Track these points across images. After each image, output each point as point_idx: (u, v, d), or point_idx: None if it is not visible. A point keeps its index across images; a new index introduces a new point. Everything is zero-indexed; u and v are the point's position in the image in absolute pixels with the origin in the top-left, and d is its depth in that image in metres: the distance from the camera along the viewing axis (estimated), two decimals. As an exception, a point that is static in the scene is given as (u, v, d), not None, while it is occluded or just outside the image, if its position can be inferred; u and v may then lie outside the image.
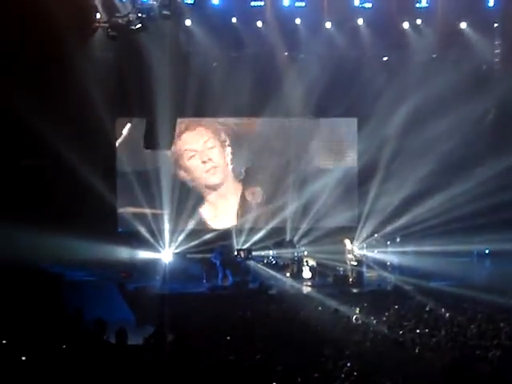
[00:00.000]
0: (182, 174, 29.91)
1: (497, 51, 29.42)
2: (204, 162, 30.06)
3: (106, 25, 26.09)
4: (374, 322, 18.31)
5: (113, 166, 28.97)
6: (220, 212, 30.42)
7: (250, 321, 18.34)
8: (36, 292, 19.90)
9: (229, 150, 30.24)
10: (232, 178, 30.47)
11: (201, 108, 28.36)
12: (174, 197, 28.85)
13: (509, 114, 29.48)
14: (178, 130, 27.90)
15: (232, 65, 28.70)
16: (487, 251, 29.42)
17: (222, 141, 30.20)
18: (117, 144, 29.02)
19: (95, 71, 26.35)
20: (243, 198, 30.53)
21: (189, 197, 29.60)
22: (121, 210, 29.11)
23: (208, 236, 29.06)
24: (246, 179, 30.54)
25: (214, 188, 30.29)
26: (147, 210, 28.95)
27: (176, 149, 28.95)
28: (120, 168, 29.18)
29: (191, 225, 29.32)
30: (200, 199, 30.10)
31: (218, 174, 30.26)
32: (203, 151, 30.05)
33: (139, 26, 24.30)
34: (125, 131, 28.91)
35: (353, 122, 30.91)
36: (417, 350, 14.89)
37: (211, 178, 30.22)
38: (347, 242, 27.46)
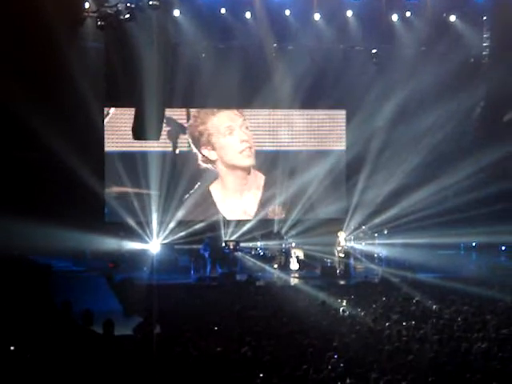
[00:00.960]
0: (207, 153, 29.94)
1: (485, 44, 29.46)
2: (242, 141, 30.14)
3: (95, 14, 26.12)
4: (361, 313, 18.35)
5: (101, 156, 28.89)
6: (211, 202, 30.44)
7: (237, 312, 18.34)
8: (24, 282, 19.88)
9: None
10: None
11: (189, 99, 28.34)
12: (163, 182, 28.87)
13: (497, 107, 29.56)
14: (203, 113, 28.44)
15: (220, 56, 28.67)
16: (474, 244, 29.52)
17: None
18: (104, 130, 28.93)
19: (84, 61, 26.27)
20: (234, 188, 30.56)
21: (179, 182, 29.62)
22: (107, 191, 29.05)
23: (196, 227, 29.06)
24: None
25: (244, 169, 30.31)
26: (134, 191, 28.92)
27: (204, 127, 29.32)
28: (108, 157, 29.09)
29: (181, 213, 29.29)
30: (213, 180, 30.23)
31: (252, 157, 30.39)
32: (241, 129, 30.16)
33: (128, 16, 24.33)
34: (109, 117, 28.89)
35: (341, 114, 30.94)
36: (403, 342, 14.93)
37: (245, 160, 30.29)
38: (341, 233, 27.49)
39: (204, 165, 29.93)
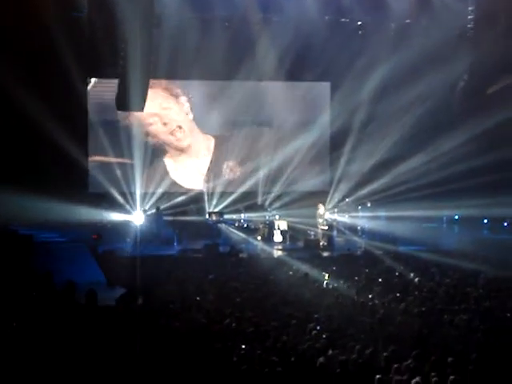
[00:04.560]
0: (150, 139, 29.79)
1: (470, 17, 29.40)
2: (165, 124, 29.94)
3: (78, -17, 25.87)
4: (344, 286, 18.43)
5: (84, 127, 28.76)
6: (191, 173, 30.34)
7: (220, 284, 18.38)
8: (4, 253, 19.85)
9: (187, 106, 30.11)
10: (201, 136, 30.47)
11: (173, 70, 28.21)
12: (146, 155, 28.83)
13: (481, 81, 29.58)
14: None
15: (205, 27, 28.47)
16: (457, 217, 29.65)
17: (177, 99, 30.10)
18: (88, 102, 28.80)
19: (67, 31, 26.00)
20: (215, 159, 30.48)
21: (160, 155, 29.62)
22: (91, 160, 28.97)
23: (180, 198, 29.04)
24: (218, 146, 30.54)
25: (182, 150, 30.21)
26: (118, 160, 28.87)
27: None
28: (92, 126, 28.95)
29: (164, 185, 29.26)
30: (169, 160, 30.08)
31: (184, 135, 30.15)
32: (161, 113, 29.95)
33: (111, -15, 24.08)
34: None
35: (326, 86, 30.90)
36: (386, 315, 15.01)
37: (178, 142, 30.15)
38: (320, 206, 27.53)
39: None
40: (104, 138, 28.80)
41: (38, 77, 26.09)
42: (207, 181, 30.34)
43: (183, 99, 30.09)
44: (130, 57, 22.45)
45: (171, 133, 29.87)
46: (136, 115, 28.13)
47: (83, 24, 26.63)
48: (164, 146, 29.87)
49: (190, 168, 30.29)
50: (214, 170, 30.46)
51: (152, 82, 28.36)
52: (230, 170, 30.58)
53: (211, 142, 30.45)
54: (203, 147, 30.41)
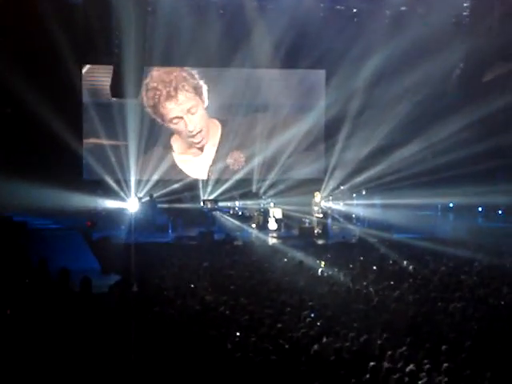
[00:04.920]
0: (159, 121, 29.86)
1: (466, 5, 29.29)
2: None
3: (73, -30, 25.77)
4: (339, 273, 18.45)
5: (79, 114, 28.69)
6: (198, 160, 30.39)
7: (215, 271, 18.40)
8: (-1, 240, 19.86)
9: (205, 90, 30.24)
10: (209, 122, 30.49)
11: (168, 57, 28.12)
12: (141, 142, 28.81)
13: (476, 68, 29.52)
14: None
15: (200, 14, 28.33)
16: (451, 205, 29.68)
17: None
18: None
19: (62, 19, 25.87)
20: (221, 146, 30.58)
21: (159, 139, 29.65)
22: (85, 147, 28.92)
23: (175, 186, 29.02)
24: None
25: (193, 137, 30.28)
26: (111, 143, 28.87)
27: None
28: (86, 113, 28.88)
29: (159, 173, 29.24)
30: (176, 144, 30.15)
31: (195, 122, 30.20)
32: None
33: (106, -28, 24.00)
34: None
35: (321, 73, 30.85)
36: (380, 302, 15.04)
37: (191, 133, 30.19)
38: (317, 194, 27.55)
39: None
40: (99, 125, 28.73)
41: (33, 64, 25.99)
42: (214, 168, 30.28)
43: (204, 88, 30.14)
44: (125, 44, 22.46)
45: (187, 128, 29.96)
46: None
47: (78, 12, 26.62)
48: (171, 132, 29.79)
49: (198, 156, 30.23)
50: (220, 158, 30.39)
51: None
52: (234, 159, 30.52)
53: (218, 127, 30.42)
54: (212, 133, 30.36)
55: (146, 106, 29.38)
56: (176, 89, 29.57)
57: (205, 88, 29.94)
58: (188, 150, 30.01)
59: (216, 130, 30.29)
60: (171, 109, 29.59)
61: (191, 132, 29.76)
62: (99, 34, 25.57)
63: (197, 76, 29.87)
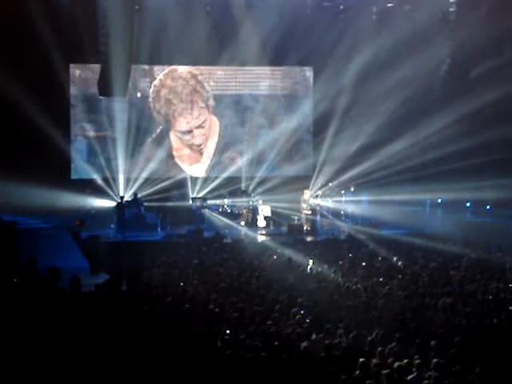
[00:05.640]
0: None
1: (452, 0, 29.35)
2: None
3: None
4: (328, 270, 18.48)
5: (67, 113, 28.61)
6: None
7: (204, 269, 18.41)
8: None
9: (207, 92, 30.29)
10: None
11: (156, 55, 28.07)
12: (131, 134, 28.88)
13: (463, 64, 29.60)
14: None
15: (187, 12, 28.26)
16: (439, 200, 29.73)
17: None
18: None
19: (48, 17, 25.78)
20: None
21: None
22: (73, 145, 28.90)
23: (163, 184, 28.98)
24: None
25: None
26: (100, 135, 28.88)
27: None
28: (74, 113, 28.84)
29: (147, 171, 29.23)
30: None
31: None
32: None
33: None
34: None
35: (309, 70, 30.87)
36: (369, 298, 15.08)
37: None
38: (306, 191, 27.63)
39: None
40: (87, 124, 28.75)
41: (20, 64, 25.88)
42: (210, 166, 30.33)
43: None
44: (112, 43, 22.38)
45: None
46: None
47: (65, 11, 26.55)
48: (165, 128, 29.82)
49: (196, 153, 30.28)
50: (217, 155, 30.42)
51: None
52: (230, 158, 30.54)
53: (217, 125, 30.45)
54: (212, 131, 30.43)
55: (151, 108, 29.41)
56: (192, 104, 29.68)
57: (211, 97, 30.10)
58: (185, 148, 30.02)
59: (215, 128, 30.32)
60: (186, 123, 29.75)
61: (197, 145, 29.98)
62: (86, 32, 25.55)
63: (206, 85, 29.99)
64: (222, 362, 11.04)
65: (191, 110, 29.72)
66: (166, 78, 29.56)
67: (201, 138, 29.99)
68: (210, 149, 30.27)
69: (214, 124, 30.27)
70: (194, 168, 30.10)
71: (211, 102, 30.00)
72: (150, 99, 29.32)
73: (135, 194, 27.82)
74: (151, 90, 29.27)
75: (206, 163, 30.24)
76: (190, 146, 29.96)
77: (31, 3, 24.92)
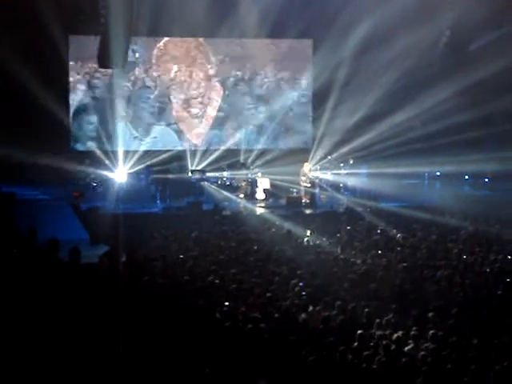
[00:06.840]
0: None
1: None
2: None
3: None
4: (327, 242, 18.55)
5: (66, 84, 28.56)
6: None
7: (203, 241, 18.46)
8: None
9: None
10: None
11: (155, 27, 27.95)
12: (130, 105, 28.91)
13: (463, 37, 29.51)
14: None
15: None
16: (438, 173, 29.74)
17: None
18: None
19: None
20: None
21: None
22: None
23: (162, 156, 28.96)
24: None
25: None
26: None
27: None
28: (73, 84, 28.80)
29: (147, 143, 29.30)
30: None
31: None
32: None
33: None
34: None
35: (308, 43, 30.76)
36: (367, 271, 15.15)
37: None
38: (306, 164, 27.65)
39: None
40: (86, 95, 28.76)
41: (19, 35, 25.79)
42: (210, 137, 30.38)
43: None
44: (112, 14, 22.24)
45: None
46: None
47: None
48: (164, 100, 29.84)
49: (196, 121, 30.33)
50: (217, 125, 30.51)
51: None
52: (229, 129, 30.54)
53: (220, 92, 30.47)
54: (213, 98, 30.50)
55: (151, 77, 29.43)
56: (191, 73, 29.79)
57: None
58: (185, 117, 30.05)
59: (215, 98, 30.33)
60: (185, 92, 29.87)
61: (196, 114, 30.07)
62: (86, 3, 25.41)
63: (207, 55, 30.06)
64: (221, 333, 11.11)
65: (191, 79, 29.69)
66: (166, 47, 29.50)
67: (200, 106, 29.95)
68: (209, 118, 30.24)
69: (214, 94, 30.23)
70: (193, 136, 30.08)
71: (212, 72, 29.95)
72: (150, 68, 29.24)
73: (147, 166, 27.90)
74: (151, 60, 29.14)
75: (206, 132, 30.22)
76: (190, 115, 29.94)
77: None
